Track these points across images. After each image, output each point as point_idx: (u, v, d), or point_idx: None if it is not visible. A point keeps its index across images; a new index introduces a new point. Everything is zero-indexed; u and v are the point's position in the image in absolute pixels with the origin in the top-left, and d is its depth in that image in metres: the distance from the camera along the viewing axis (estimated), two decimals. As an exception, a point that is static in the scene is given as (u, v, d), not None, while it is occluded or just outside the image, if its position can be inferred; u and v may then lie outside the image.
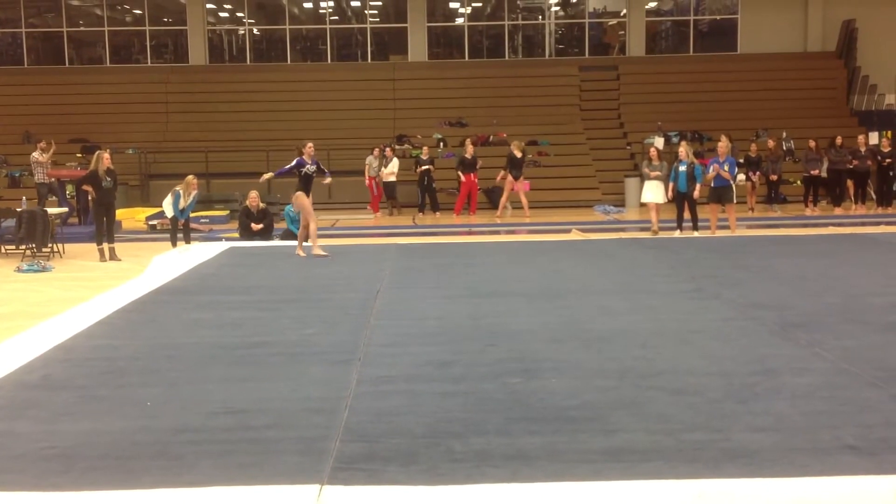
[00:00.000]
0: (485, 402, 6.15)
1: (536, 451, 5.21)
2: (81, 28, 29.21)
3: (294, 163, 13.58)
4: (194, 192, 15.75)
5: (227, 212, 20.95)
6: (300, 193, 13.59)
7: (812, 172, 21.06)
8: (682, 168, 16.29)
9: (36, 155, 19.30)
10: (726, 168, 16.10)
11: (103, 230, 14.50)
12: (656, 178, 16.79)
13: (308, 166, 13.52)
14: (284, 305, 9.86)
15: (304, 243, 13.77)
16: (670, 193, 16.58)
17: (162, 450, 5.35)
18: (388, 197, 22.09)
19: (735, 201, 16.68)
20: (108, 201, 14.59)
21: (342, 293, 10.58)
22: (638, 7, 28.05)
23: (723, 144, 16.43)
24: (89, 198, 15.29)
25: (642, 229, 17.62)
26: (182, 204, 15.53)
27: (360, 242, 16.54)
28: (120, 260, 14.35)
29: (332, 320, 9.00)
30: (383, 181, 21.91)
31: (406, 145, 24.27)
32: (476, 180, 21.59)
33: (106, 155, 14.71)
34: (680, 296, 10.12)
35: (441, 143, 24.95)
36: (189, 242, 15.75)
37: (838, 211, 20.88)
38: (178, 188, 15.68)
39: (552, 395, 6.30)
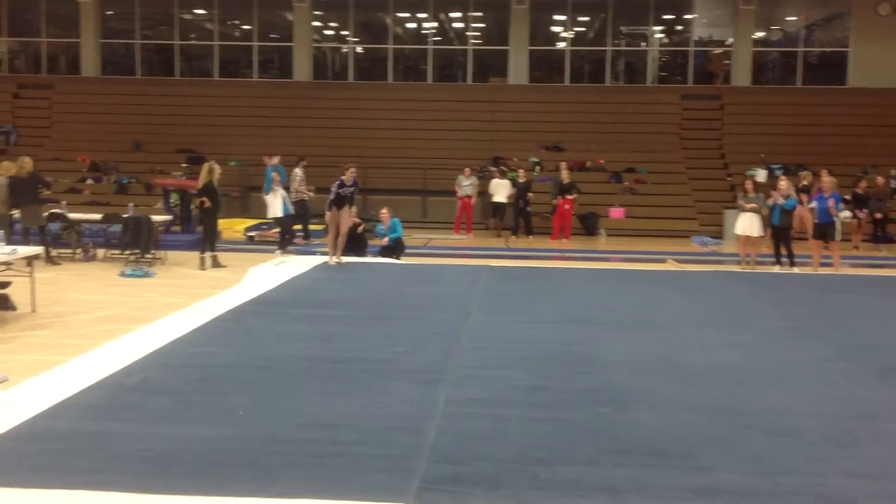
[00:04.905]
0: (573, 431, 6.09)
1: (625, 485, 5.13)
2: (192, 41, 30.08)
3: (336, 183, 14.83)
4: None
5: (324, 226, 21.23)
6: (333, 209, 14.79)
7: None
8: (780, 202, 15.98)
9: (299, 171, 19.65)
10: (831, 203, 15.72)
11: (215, 239, 15.00)
12: (751, 209, 16.51)
13: (345, 188, 14.76)
14: (376, 322, 9.94)
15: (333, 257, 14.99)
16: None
17: (252, 459, 5.44)
18: (500, 218, 22.30)
19: (839, 238, 16.25)
20: (219, 211, 15.12)
21: (433, 313, 10.62)
22: (745, 37, 27.60)
23: (827, 180, 16.07)
24: (201, 207, 15.40)
25: (741, 262, 17.28)
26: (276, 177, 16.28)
27: (452, 262, 16.59)
28: (225, 266, 14.70)
29: (422, 339, 9.03)
30: (493, 201, 22.09)
31: (501, 167, 24.27)
32: (569, 206, 21.49)
33: (218, 167, 15.22)
34: (777, 333, 9.88)
35: (537, 167, 24.90)
36: (284, 252, 16.22)
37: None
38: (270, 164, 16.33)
39: (642, 427, 6.20)
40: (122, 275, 13.68)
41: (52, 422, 6.11)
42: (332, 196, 14.87)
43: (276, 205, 17.02)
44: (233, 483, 5.05)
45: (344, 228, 14.99)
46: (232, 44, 29.92)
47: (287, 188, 18.49)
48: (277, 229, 17.78)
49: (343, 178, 14.80)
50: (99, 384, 7.08)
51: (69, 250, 15.66)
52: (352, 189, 14.95)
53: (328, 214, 14.99)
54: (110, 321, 9.96)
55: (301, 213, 19.57)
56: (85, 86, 28.56)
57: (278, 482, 5.09)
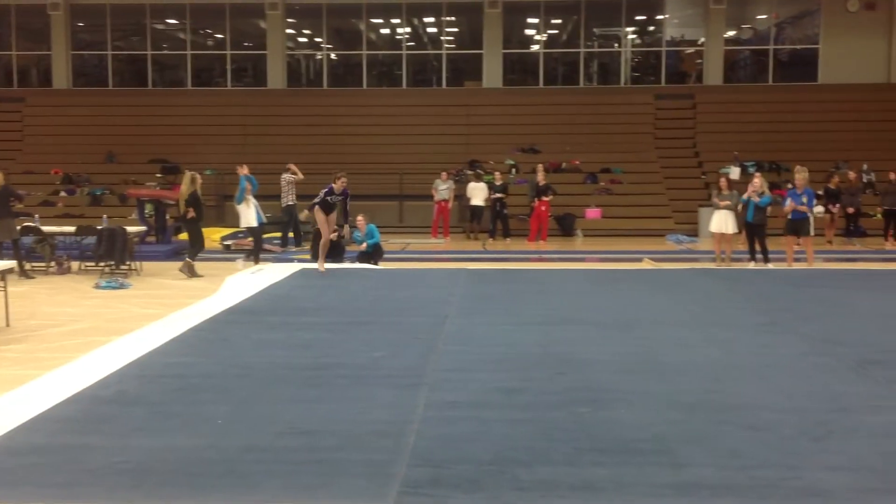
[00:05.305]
0: (552, 431, 6.10)
1: (604, 483, 5.15)
2: (165, 51, 29.95)
3: (325, 190, 14.74)
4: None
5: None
6: (318, 210, 14.72)
7: (893, 206, 20.54)
8: (755, 199, 16.09)
9: (289, 177, 19.57)
10: (804, 200, 15.85)
11: (199, 248, 15.11)
12: (726, 207, 16.62)
13: (334, 196, 14.65)
14: (354, 327, 9.92)
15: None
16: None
17: (231, 468, 5.41)
18: (477, 221, 22.30)
19: (812, 234, 16.38)
20: (202, 220, 15.13)
21: (412, 317, 10.62)
22: (716, 36, 27.79)
23: (800, 176, 16.20)
24: (184, 217, 15.38)
25: (716, 259, 17.38)
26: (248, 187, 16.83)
27: (430, 266, 16.59)
28: (201, 276, 14.63)
29: (400, 343, 9.02)
30: (470, 205, 22.15)
31: (477, 170, 24.34)
32: (545, 207, 21.55)
33: (199, 176, 15.22)
34: (754, 329, 9.93)
35: (513, 170, 24.96)
36: (257, 262, 16.29)
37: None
38: (241, 174, 17.01)
39: (621, 426, 6.22)
40: (97, 287, 13.58)
41: (27, 436, 6.06)
42: (317, 199, 14.76)
43: (248, 214, 16.94)
44: (210, 492, 5.02)
45: (328, 234, 14.95)
46: (205, 53, 29.80)
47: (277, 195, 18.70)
48: (251, 238, 17.75)
49: (333, 185, 14.64)
50: (75, 397, 7.03)
51: (43, 263, 15.54)
52: (340, 198, 14.77)
53: (306, 212, 14.91)
54: (85, 334, 9.89)
55: (287, 219, 19.53)
56: (57, 98, 28.38)
57: (257, 490, 5.06)
